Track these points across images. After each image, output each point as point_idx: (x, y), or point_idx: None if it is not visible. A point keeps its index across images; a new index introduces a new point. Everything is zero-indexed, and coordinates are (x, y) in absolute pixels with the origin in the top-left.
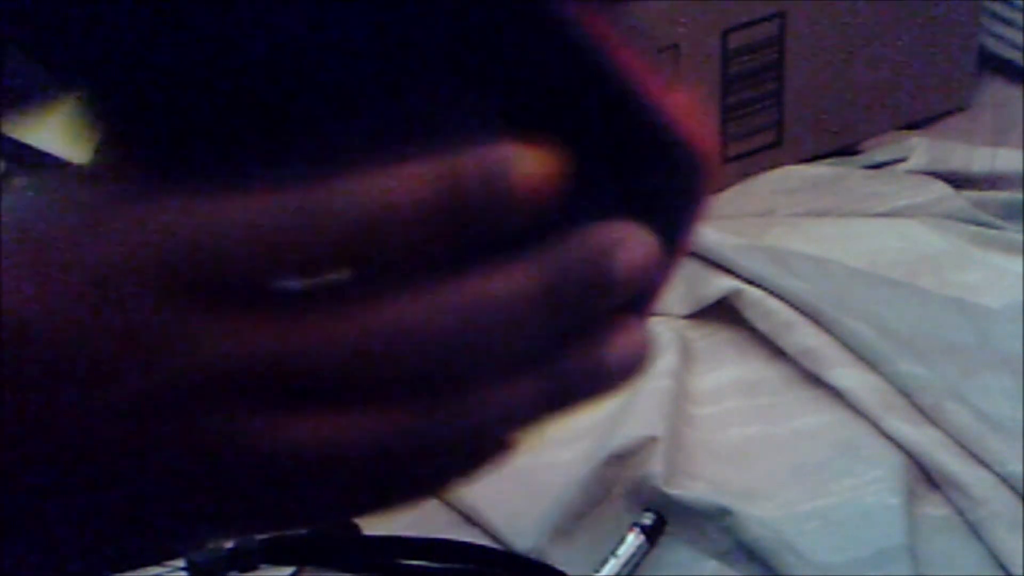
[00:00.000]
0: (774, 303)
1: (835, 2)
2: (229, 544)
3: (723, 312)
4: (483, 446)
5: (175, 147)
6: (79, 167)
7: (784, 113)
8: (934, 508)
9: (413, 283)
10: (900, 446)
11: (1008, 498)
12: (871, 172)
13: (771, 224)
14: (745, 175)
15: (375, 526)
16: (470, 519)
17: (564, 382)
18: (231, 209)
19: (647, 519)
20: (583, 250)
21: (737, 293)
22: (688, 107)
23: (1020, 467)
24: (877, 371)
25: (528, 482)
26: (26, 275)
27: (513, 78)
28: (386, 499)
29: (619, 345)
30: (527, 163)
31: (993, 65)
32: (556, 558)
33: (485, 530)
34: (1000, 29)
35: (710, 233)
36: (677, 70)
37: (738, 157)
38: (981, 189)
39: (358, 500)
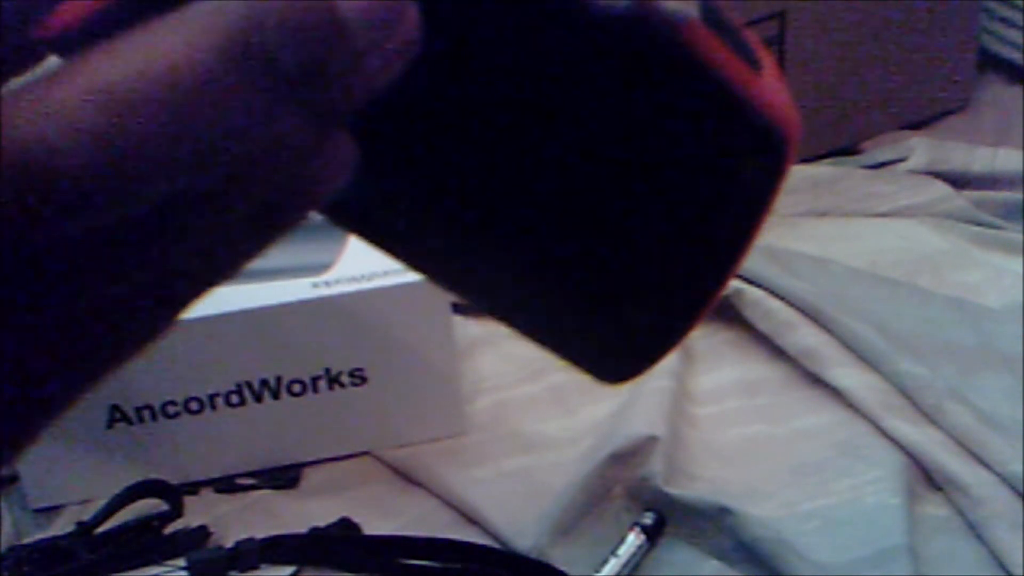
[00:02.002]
0: (774, 303)
1: (835, 2)
2: (229, 544)
3: (723, 312)
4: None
5: None
6: None
7: None
8: (934, 508)
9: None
10: (900, 446)
11: (1008, 498)
12: (871, 172)
13: (771, 224)
14: None
15: (375, 526)
16: (470, 519)
17: (269, 200)
18: None
19: (647, 519)
20: None
21: (737, 293)
22: (774, 87)
23: (1020, 467)
24: (877, 371)
25: (528, 482)
26: None
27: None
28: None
29: (328, 154)
30: None
31: (993, 65)
32: (556, 558)
33: (485, 530)
34: (1000, 29)
35: None
36: None
37: None
38: (981, 189)
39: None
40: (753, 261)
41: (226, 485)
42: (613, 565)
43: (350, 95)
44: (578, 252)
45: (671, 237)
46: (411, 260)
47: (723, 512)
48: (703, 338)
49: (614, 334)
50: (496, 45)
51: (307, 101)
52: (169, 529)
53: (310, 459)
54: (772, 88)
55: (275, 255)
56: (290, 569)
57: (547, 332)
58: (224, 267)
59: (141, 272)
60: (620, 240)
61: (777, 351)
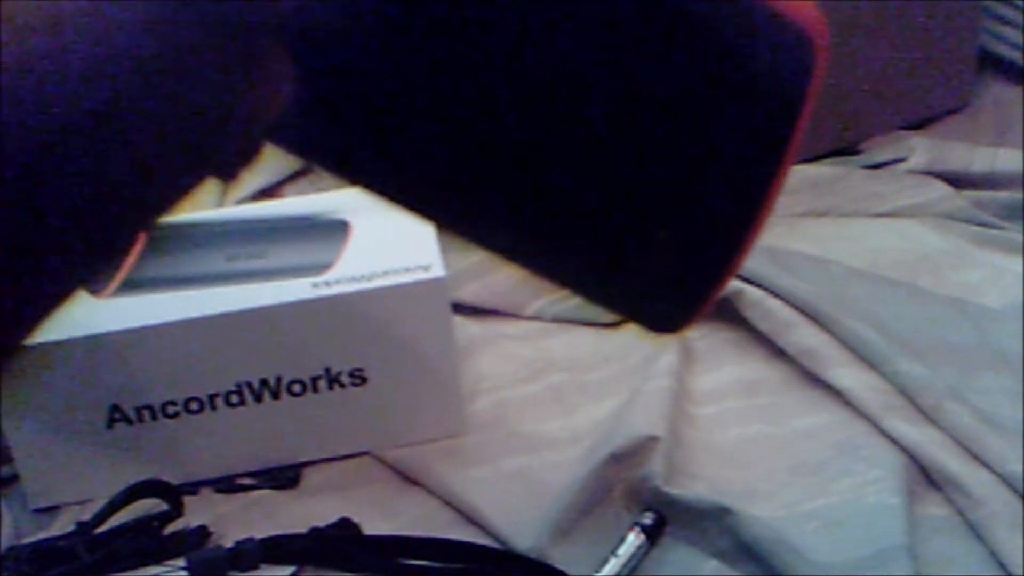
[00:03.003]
0: (774, 303)
1: (835, 2)
2: (229, 544)
3: (723, 312)
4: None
5: None
6: None
7: None
8: (934, 508)
9: None
10: (900, 446)
11: (1008, 498)
12: (871, 172)
13: (771, 224)
14: None
15: (375, 526)
16: (470, 519)
17: (204, 117)
18: None
19: (647, 519)
20: None
21: (737, 293)
22: None
23: (1020, 467)
24: (877, 371)
25: (528, 482)
26: None
27: None
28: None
29: (260, 73)
30: None
31: (993, 65)
32: (556, 558)
33: (485, 530)
34: (1000, 29)
35: None
36: None
37: None
38: (981, 189)
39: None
40: (753, 261)
41: (226, 485)
42: (613, 565)
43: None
44: (599, 183)
45: (697, 164)
46: (393, 196)
47: (723, 512)
48: (703, 338)
49: (648, 273)
50: None
51: (206, 10)
52: (169, 529)
53: (310, 459)
54: None
55: (275, 255)
56: (290, 569)
57: (578, 277)
58: (165, 188)
59: (84, 184)
60: (643, 170)
61: (777, 351)
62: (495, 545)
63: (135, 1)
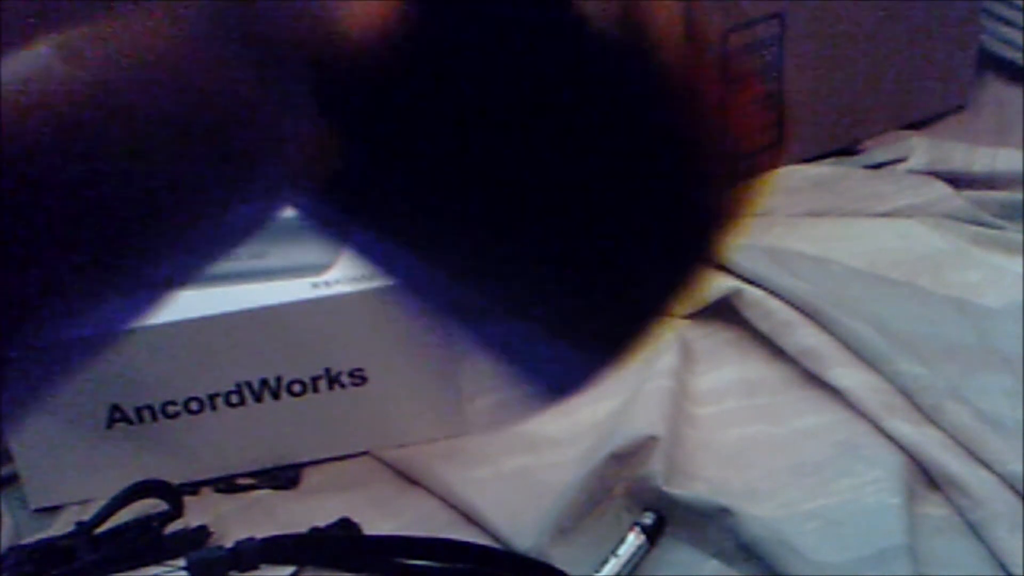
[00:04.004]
0: (774, 303)
1: (835, 2)
2: (229, 544)
3: (723, 312)
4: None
5: None
6: None
7: (784, 113)
8: (934, 508)
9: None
10: (900, 446)
11: (1008, 498)
12: (871, 172)
13: (771, 224)
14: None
15: (375, 526)
16: (470, 519)
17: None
18: None
19: (647, 519)
20: None
21: (737, 293)
22: (744, 109)
23: (1020, 467)
24: (877, 371)
25: (528, 482)
26: None
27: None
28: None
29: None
30: None
31: (993, 65)
32: (556, 558)
33: (485, 530)
34: (1000, 29)
35: None
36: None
37: None
38: (981, 189)
39: None
40: (753, 261)
41: (226, 485)
42: (613, 565)
43: (288, 31)
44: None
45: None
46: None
47: (723, 512)
48: (703, 338)
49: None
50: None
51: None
52: (169, 529)
53: (310, 459)
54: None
55: (275, 255)
56: (290, 569)
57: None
58: (201, 223)
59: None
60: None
61: (777, 351)
62: (495, 545)
63: (181, 24)
